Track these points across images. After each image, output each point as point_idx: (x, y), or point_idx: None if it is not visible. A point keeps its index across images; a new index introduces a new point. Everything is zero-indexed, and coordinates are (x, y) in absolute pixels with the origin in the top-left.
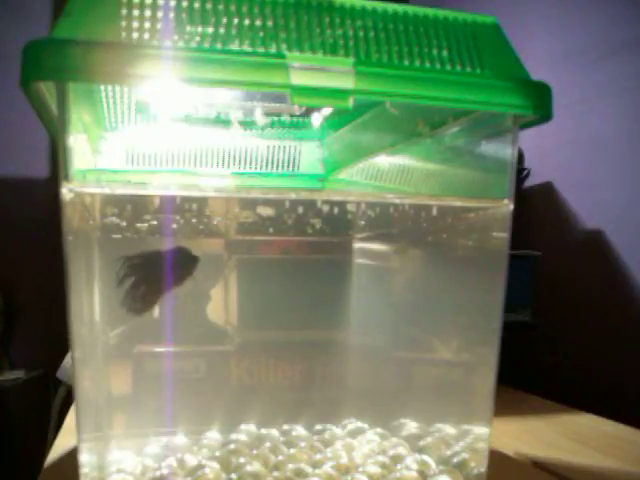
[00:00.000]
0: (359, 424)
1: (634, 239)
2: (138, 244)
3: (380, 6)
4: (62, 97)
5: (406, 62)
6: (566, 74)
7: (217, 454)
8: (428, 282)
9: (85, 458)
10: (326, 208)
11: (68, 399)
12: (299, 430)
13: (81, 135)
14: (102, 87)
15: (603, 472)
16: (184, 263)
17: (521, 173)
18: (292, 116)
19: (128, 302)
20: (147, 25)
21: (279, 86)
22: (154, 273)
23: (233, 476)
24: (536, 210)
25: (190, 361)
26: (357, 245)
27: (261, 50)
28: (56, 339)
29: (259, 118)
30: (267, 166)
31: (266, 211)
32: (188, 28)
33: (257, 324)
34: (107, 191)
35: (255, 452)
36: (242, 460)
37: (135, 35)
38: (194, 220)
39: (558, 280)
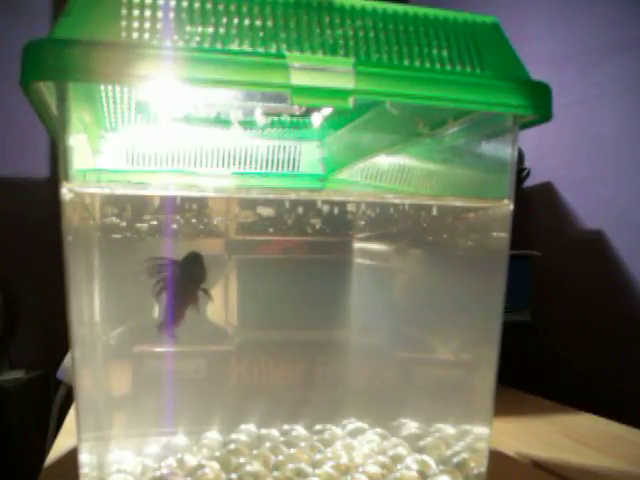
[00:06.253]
0: (359, 424)
1: (634, 239)
2: (138, 244)
3: (380, 6)
4: (62, 97)
5: (406, 62)
6: (566, 74)
7: (217, 454)
8: (428, 282)
9: (85, 458)
10: (326, 208)
11: (68, 399)
12: (299, 430)
13: (81, 135)
14: (102, 87)
15: (603, 472)
16: (199, 267)
17: (521, 173)
18: (292, 116)
19: (161, 320)
20: (147, 25)
21: (279, 86)
22: (180, 287)
23: (233, 476)
24: (536, 210)
25: (190, 361)
26: (357, 245)
27: (261, 50)
28: (56, 339)
29: (259, 118)
30: (267, 166)
31: (266, 211)
32: (188, 28)
33: (257, 324)
34: (107, 191)
35: (255, 452)
36: (242, 460)
37: (135, 35)
38: (194, 220)
39: (558, 280)
